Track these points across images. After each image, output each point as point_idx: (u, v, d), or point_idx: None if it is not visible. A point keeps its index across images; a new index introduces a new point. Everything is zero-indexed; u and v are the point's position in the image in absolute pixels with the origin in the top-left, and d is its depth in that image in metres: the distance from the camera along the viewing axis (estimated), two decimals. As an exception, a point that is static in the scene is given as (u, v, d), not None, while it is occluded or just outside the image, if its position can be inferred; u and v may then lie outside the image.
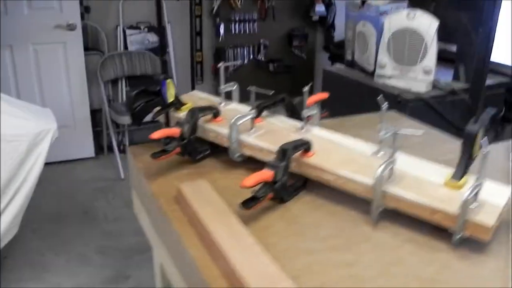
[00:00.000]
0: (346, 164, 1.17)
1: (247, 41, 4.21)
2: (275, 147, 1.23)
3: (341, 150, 1.24)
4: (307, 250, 1.00)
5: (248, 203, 1.05)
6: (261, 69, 4.27)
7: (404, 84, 2.23)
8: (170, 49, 3.94)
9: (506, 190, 1.10)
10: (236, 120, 1.26)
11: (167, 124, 1.41)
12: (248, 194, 1.15)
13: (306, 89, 1.31)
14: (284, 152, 1.12)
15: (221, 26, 4.06)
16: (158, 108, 1.37)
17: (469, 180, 1.11)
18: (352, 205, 1.16)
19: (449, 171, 1.15)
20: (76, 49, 3.56)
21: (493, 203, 1.04)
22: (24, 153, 1.87)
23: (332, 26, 4.41)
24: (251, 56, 4.25)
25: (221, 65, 1.43)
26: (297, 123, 1.38)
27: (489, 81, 2.48)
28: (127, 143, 3.97)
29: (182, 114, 1.41)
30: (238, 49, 4.17)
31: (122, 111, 3.62)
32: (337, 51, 4.09)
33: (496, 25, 2.18)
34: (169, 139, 1.26)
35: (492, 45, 2.22)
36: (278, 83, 4.35)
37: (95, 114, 3.88)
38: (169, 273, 1.25)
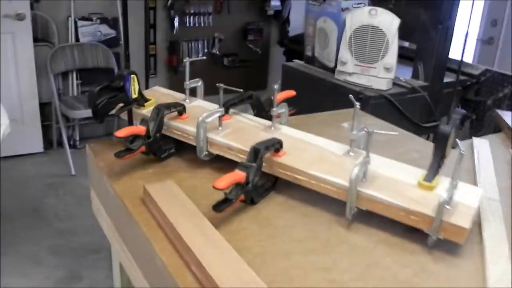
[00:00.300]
0: (318, 163, 1.15)
1: (202, 34, 4.14)
2: (244, 146, 1.19)
3: (312, 149, 1.22)
4: (282, 254, 0.97)
5: (219, 206, 1.01)
6: (216, 64, 4.21)
7: (365, 81, 2.24)
8: (123, 41, 3.82)
9: (477, 191, 1.10)
10: (204, 118, 1.21)
11: (130, 121, 1.35)
12: (217, 195, 1.11)
13: (276, 86, 1.27)
14: (256, 152, 1.09)
15: (175, 19, 3.97)
16: (121, 105, 1.30)
17: (441, 181, 1.11)
18: (324, 206, 1.14)
19: (420, 172, 1.14)
20: (25, 40, 3.40)
21: (466, 204, 1.03)
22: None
23: (287, 21, 4.40)
24: (206, 50, 4.18)
25: (187, 60, 1.38)
26: (265, 121, 1.34)
27: (447, 78, 2.53)
28: (77, 138, 3.84)
29: (146, 111, 1.35)
30: (193, 43, 4.10)
31: (73, 104, 3.49)
32: (292, 46, 4.09)
33: (455, 23, 2.22)
34: (132, 137, 1.20)
35: (451, 43, 2.27)
36: (233, 78, 4.31)
37: (44, 108, 3.71)
38: (131, 274, 1.19)
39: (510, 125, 1.69)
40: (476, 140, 1.64)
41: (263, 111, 1.40)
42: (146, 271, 1.04)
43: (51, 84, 3.54)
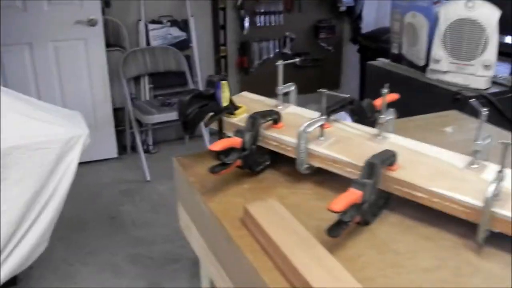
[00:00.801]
0: (439, 178, 1.01)
1: (273, 34, 4.04)
2: (351, 159, 1.07)
3: (428, 161, 1.08)
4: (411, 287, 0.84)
5: (335, 230, 0.89)
6: (287, 63, 4.09)
7: (461, 80, 2.05)
8: (194, 44, 3.78)
9: None
10: (305, 128, 1.10)
11: (221, 131, 1.25)
12: (324, 215, 0.99)
13: (385, 90, 1.14)
14: (372, 167, 0.96)
15: (245, 19, 3.89)
16: (211, 114, 1.21)
17: None
18: (447, 227, 1.00)
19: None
20: (98, 45, 3.41)
21: None
22: (53, 162, 1.72)
23: (359, 17, 4.23)
24: (277, 50, 4.09)
25: (280, 63, 1.27)
26: (369, 129, 1.22)
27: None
28: (151, 143, 3.83)
29: (238, 119, 1.25)
30: (264, 43, 4.01)
31: (146, 109, 3.48)
32: (366, 43, 3.92)
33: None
34: (226, 150, 1.11)
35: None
36: (305, 78, 4.18)
37: (117, 113, 3.73)
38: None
39: None
40: None
41: (365, 117, 1.28)
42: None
43: (124, 89, 3.54)
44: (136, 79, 3.73)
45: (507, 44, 2.26)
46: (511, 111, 1.99)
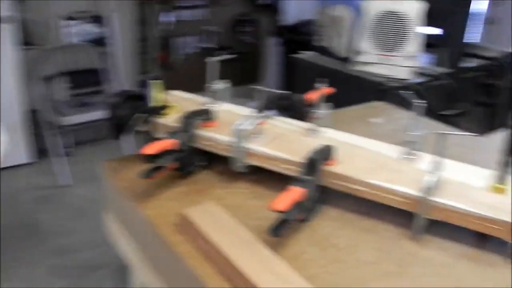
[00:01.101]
0: (377, 171, 1.02)
1: (195, 28, 3.97)
2: (290, 155, 1.05)
3: (364, 154, 1.08)
4: (356, 282, 0.83)
5: (278, 230, 0.87)
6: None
7: (386, 71, 2.10)
8: (114, 40, 3.64)
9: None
10: (241, 125, 1.07)
11: (153, 133, 1.19)
12: (264, 214, 0.97)
13: (322, 85, 1.13)
14: (313, 163, 0.95)
15: (167, 14, 3.80)
16: (141, 115, 1.15)
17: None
18: (387, 218, 1.01)
19: (487, 173, 1.02)
20: (10, 43, 3.19)
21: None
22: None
23: (279, 10, 4.25)
24: (200, 45, 4.03)
25: (212, 60, 1.23)
26: (303, 124, 1.20)
27: (470, 64, 2.42)
28: (69, 145, 3.65)
29: (171, 120, 1.20)
30: (186, 38, 3.94)
31: (64, 110, 3.30)
32: (290, 35, 3.94)
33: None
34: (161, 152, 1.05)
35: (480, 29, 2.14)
36: (228, 72, 4.15)
37: (34, 115, 3.51)
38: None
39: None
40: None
41: (296, 112, 1.26)
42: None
43: (40, 90, 3.34)
44: (53, 79, 3.53)
45: (430, 35, 2.33)
46: (435, 100, 2.06)
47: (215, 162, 1.19)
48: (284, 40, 4.02)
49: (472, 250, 0.93)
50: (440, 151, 0.92)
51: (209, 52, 4.07)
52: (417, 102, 1.02)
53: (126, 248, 1.19)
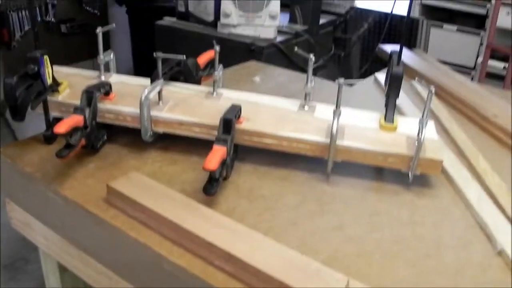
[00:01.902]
0: (282, 124, 1.10)
1: (30, 1, 3.67)
2: (198, 118, 1.10)
3: (267, 110, 1.16)
4: (290, 224, 0.92)
5: (211, 188, 0.92)
6: (52, 32, 3.81)
7: (251, 32, 2.18)
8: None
9: (429, 123, 1.13)
10: (146, 95, 1.07)
11: (46, 112, 1.14)
12: (183, 177, 1.04)
13: (217, 48, 1.17)
14: (228, 123, 1.00)
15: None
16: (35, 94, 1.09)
17: (399, 120, 1.13)
18: (295, 166, 1.10)
19: (373, 115, 1.16)
20: None
21: (428, 137, 1.07)
22: None
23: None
24: (39, 18, 3.75)
25: (99, 30, 1.19)
26: (202, 88, 1.24)
27: (324, 20, 2.61)
28: None
29: (62, 97, 1.16)
30: (24, 12, 3.64)
31: None
32: (133, 3, 3.84)
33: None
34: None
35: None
36: (74, 46, 3.96)
37: None
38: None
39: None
40: (379, 75, 1.72)
41: (191, 76, 1.29)
42: (145, 281, 0.91)
43: None
44: None
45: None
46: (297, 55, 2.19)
47: (119, 135, 1.18)
48: (129, 7, 3.90)
49: (376, 183, 1.07)
50: (339, 100, 1.03)
51: (51, 25, 3.83)
52: (306, 56, 1.11)
53: (41, 237, 1.15)
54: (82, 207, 0.94)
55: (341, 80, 1.00)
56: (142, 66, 3.89)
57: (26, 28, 3.71)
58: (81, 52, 3.86)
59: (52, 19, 3.86)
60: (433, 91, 1.00)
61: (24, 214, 1.16)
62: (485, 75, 3.07)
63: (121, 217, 0.91)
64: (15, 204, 1.17)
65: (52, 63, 1.10)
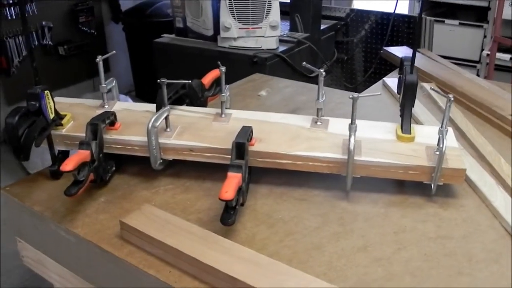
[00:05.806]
0: (296, 142, 1.06)
1: (28, 26, 3.65)
2: (208, 143, 1.06)
3: (278, 129, 1.12)
4: (313, 248, 0.88)
5: (229, 218, 0.88)
6: (51, 55, 3.78)
7: (253, 44, 2.15)
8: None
9: (449, 131, 1.09)
10: (153, 123, 1.04)
11: (51, 147, 1.11)
12: (198, 205, 1.00)
13: (223, 69, 1.13)
14: (241, 147, 0.96)
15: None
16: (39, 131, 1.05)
17: (416, 129, 1.10)
18: (311, 185, 1.06)
19: (389, 125, 1.12)
20: None
21: (449, 146, 1.03)
22: None
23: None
24: (36, 43, 3.72)
25: (99, 59, 1.16)
26: (209, 110, 1.20)
27: (324, 26, 2.57)
28: None
29: (66, 130, 1.12)
30: (20, 38, 3.61)
31: None
32: (130, 20, 3.82)
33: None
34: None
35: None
36: (73, 67, 3.92)
37: None
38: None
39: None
40: (388, 80, 1.68)
41: (196, 98, 1.26)
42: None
43: None
44: None
45: (285, 3, 2.42)
46: (299, 62, 2.16)
47: (128, 163, 1.14)
48: (126, 25, 3.88)
49: (397, 197, 1.03)
50: (354, 114, 0.99)
51: (48, 48, 3.80)
52: (322, 70, 1.07)
53: (55, 274, 1.11)
54: (96, 245, 0.91)
55: (355, 94, 0.97)
56: (143, 83, 3.86)
57: (24, 53, 3.68)
58: (80, 72, 3.84)
59: (50, 42, 3.83)
60: (452, 98, 0.96)
61: (36, 253, 1.12)
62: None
63: (137, 253, 0.88)
64: (26, 243, 1.14)
65: (51, 91, 1.06)
